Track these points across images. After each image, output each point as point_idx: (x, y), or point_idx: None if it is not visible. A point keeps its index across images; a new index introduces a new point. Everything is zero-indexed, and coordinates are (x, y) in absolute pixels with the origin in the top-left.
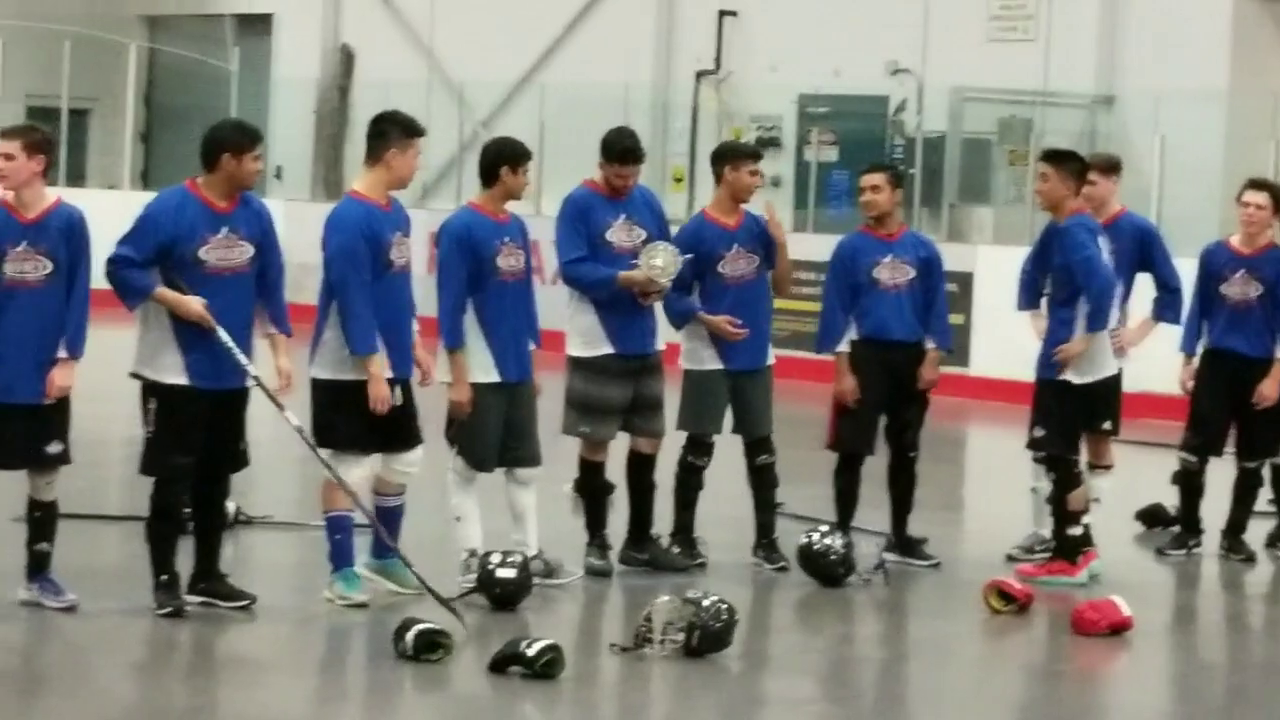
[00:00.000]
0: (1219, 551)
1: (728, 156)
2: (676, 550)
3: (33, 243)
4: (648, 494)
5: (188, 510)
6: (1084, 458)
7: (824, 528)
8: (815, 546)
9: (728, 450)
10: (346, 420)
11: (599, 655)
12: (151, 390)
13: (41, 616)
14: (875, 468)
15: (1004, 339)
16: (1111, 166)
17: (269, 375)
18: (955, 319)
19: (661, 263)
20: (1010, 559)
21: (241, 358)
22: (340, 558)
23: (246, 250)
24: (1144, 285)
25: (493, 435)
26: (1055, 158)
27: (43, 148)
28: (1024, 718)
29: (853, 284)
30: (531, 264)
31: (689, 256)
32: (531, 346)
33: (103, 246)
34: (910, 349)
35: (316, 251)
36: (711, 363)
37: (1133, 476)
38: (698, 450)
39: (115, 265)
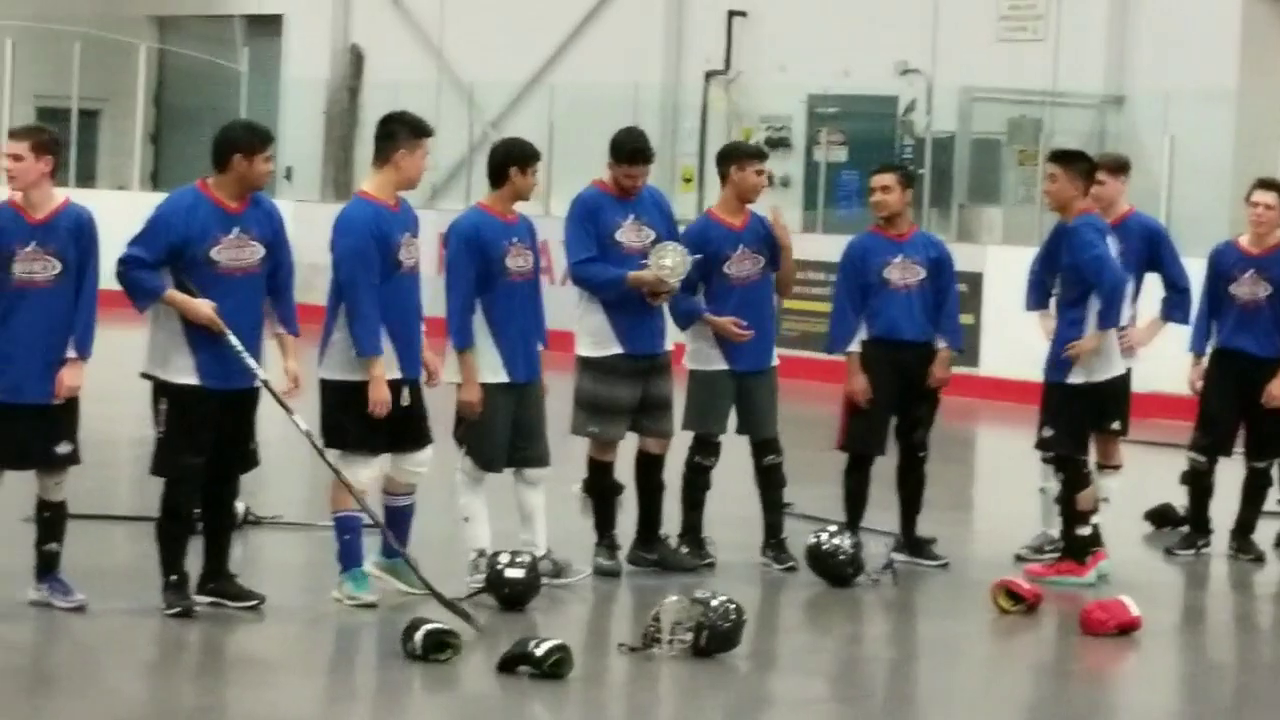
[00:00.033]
0: (1228, 552)
1: (733, 157)
2: (685, 550)
3: (41, 243)
4: (656, 494)
5: (197, 510)
6: (1093, 458)
7: (833, 528)
8: (824, 546)
9: (735, 450)
10: (355, 421)
11: (607, 655)
12: (162, 391)
13: (51, 617)
14: (884, 468)
15: (1013, 339)
16: (1120, 166)
17: (278, 377)
18: (965, 319)
19: (671, 263)
20: (1019, 559)
21: (250, 361)
22: (349, 558)
23: (257, 251)
24: (1153, 285)
25: (501, 435)
26: (1063, 158)
27: (50, 148)
28: (1033, 717)
29: (863, 284)
30: (540, 264)
31: (698, 257)
32: (539, 347)
33: (113, 248)
34: (921, 349)
35: (326, 252)
36: (717, 363)
37: (1141, 476)
38: (705, 450)
39: (126, 266)
